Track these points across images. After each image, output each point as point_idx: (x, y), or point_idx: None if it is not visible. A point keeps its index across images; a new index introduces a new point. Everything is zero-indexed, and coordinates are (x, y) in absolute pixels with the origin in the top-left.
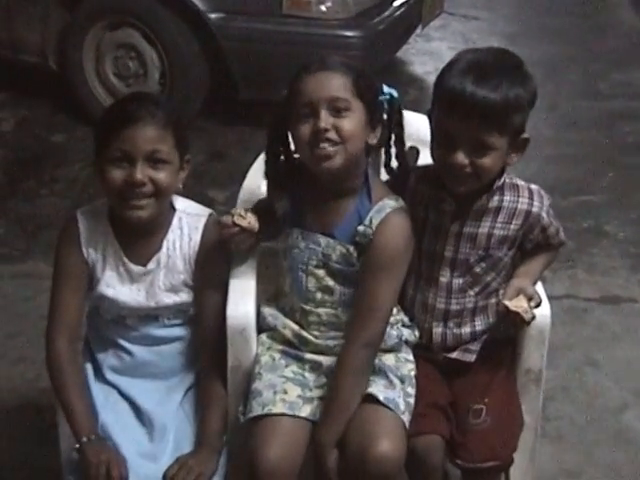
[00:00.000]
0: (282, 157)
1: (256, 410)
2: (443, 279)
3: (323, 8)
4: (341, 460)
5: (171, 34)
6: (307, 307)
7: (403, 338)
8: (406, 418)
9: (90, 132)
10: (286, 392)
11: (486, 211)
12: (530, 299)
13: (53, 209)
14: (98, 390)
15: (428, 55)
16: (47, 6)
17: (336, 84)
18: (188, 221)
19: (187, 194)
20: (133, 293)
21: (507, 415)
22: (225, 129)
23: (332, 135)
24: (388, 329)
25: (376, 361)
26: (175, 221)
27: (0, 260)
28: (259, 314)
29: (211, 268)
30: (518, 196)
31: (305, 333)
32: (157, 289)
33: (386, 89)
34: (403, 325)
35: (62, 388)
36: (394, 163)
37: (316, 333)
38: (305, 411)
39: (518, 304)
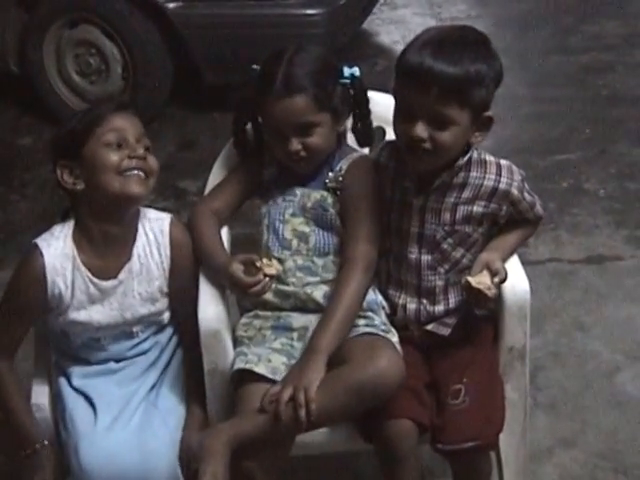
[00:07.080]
0: (249, 129)
1: (238, 364)
2: (412, 256)
3: None
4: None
5: (130, 27)
6: (283, 256)
7: (379, 301)
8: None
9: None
10: (270, 361)
11: (450, 187)
12: (495, 275)
13: (25, 214)
14: (67, 395)
15: (394, 24)
16: (5, 8)
17: (299, 110)
18: (152, 226)
19: (158, 186)
20: (106, 309)
21: (487, 394)
22: (194, 116)
23: (302, 154)
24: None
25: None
26: (140, 229)
27: None
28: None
29: (185, 270)
30: (485, 172)
31: (282, 286)
32: (131, 299)
33: (347, 71)
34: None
35: (8, 403)
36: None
37: (293, 280)
38: None
39: (481, 280)
